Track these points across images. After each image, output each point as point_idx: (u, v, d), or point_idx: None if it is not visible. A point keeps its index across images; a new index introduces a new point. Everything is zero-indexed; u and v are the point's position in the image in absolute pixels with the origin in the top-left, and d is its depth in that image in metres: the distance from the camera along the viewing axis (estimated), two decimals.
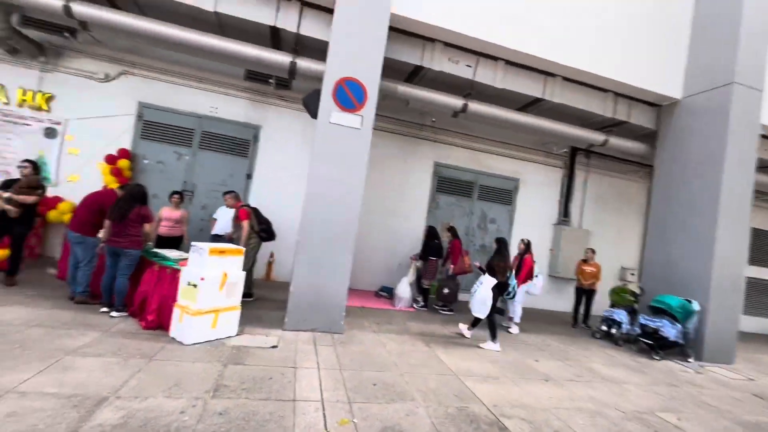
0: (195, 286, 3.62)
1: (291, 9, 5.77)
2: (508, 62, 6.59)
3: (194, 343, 3.57)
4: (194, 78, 6.94)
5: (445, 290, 6.99)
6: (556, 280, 8.75)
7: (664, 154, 7.10)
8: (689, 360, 5.80)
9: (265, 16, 5.69)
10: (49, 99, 6.43)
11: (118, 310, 4.06)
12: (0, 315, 3.59)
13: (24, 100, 6.32)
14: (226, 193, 6.03)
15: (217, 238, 5.70)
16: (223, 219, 5.88)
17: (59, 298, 4.30)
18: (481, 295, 5.00)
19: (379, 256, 7.75)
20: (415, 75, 6.83)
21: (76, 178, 6.45)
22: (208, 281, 3.64)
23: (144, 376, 2.82)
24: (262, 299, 5.58)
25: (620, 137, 7.66)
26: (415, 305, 6.68)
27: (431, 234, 6.92)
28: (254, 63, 6.03)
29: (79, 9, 5.28)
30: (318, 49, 5.78)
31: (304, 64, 5.96)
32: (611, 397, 3.84)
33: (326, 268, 4.56)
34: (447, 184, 8.31)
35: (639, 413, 3.54)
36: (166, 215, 5.60)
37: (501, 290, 5.14)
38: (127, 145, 6.65)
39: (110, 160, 6.39)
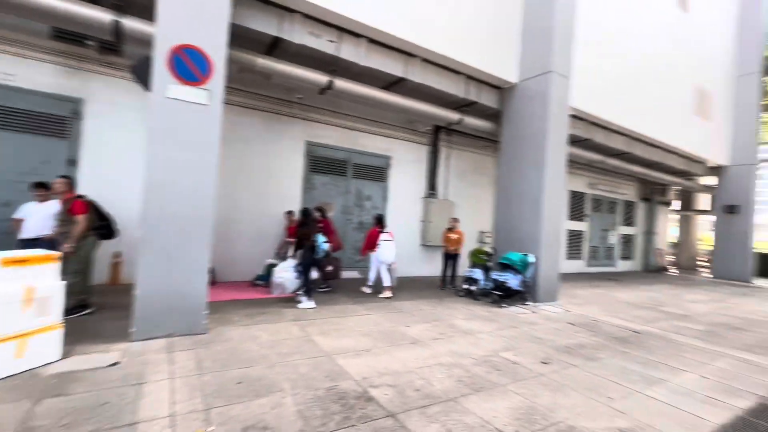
0: None
1: None
2: (372, 40, 6.64)
3: None
4: None
5: (329, 268, 7.01)
6: (428, 249, 9.57)
7: (506, 132, 8.22)
8: (527, 303, 7.03)
9: None
10: None
11: None
12: None
13: None
14: (38, 184, 4.82)
15: (30, 244, 4.52)
16: (35, 218, 4.70)
17: None
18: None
19: (251, 243, 7.29)
20: (276, 47, 6.37)
21: None
22: (3, 299, 2.84)
23: None
24: (106, 308, 4.70)
25: (473, 116, 8.57)
26: (296, 290, 6.52)
27: (306, 216, 6.74)
28: (63, 19, 4.77)
29: None
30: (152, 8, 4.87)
31: (134, 25, 4.96)
32: (467, 348, 4.38)
33: (180, 264, 4.03)
34: (320, 163, 8.17)
35: (486, 357, 4.13)
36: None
37: (312, 252, 5.91)
38: None
39: None
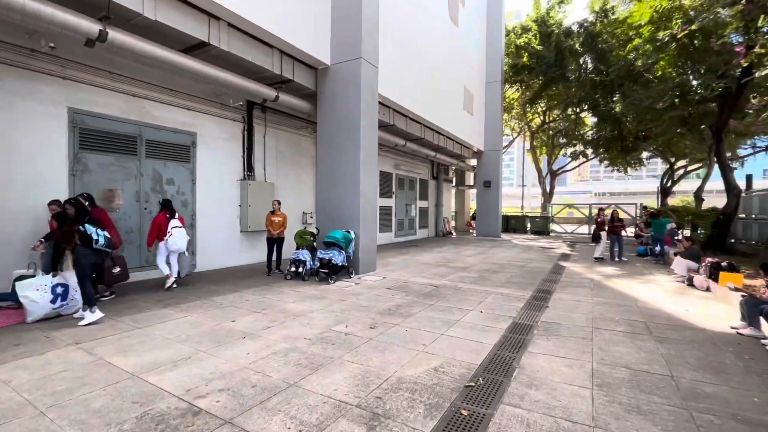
0: None
1: None
2: None
3: None
4: None
5: (116, 270, 5.65)
6: (249, 235, 8.95)
7: (322, 113, 8.35)
8: (351, 276, 7.54)
9: None
10: None
11: None
12: None
13: None
14: None
15: None
16: None
17: None
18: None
19: None
20: None
21: None
22: None
23: None
24: None
25: (289, 95, 8.31)
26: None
27: (80, 209, 5.15)
28: None
29: None
30: None
31: None
32: (301, 330, 4.35)
33: None
34: (97, 138, 6.35)
35: (321, 334, 4.21)
36: None
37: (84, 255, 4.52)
38: None
39: None
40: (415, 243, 15.06)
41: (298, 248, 7.56)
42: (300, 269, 7.19)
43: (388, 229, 14.87)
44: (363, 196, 7.86)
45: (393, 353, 3.71)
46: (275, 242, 7.74)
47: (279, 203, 7.89)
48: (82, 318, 4.43)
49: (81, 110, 6.12)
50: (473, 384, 3.08)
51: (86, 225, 4.55)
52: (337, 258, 7.11)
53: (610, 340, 4.15)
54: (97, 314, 4.48)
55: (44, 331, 4.13)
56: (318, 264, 7.17)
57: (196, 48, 6.53)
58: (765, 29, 8.87)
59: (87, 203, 5.27)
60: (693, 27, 10.28)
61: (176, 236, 6.23)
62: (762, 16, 8.44)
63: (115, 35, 5.21)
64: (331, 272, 7.04)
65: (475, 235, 19.17)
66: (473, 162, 20.30)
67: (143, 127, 6.94)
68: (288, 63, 7.80)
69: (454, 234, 20.03)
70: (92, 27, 4.97)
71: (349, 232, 7.54)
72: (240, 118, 8.74)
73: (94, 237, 4.53)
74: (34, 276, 4.84)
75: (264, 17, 6.55)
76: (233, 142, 8.63)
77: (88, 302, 4.48)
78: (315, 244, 7.68)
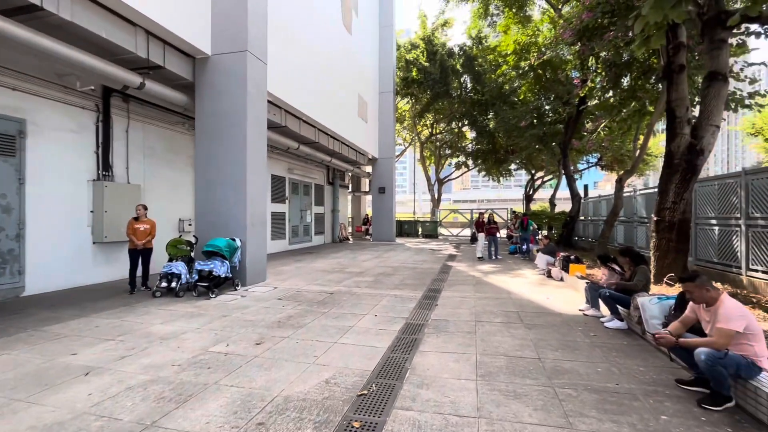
0: None
1: None
2: None
3: None
4: None
5: None
6: (104, 247, 7.44)
7: (202, 108, 7.45)
8: (237, 288, 6.83)
9: None
10: None
11: None
12: None
13: None
14: None
15: None
16: None
17: None
18: None
19: None
20: None
21: None
22: None
23: None
24: None
25: (159, 83, 7.21)
26: None
27: None
28: None
29: None
30: None
31: None
32: (169, 356, 3.67)
33: None
34: None
35: (194, 358, 3.61)
36: None
37: None
38: None
39: None
40: (311, 250, 14.61)
41: (171, 260, 6.54)
42: (173, 284, 6.20)
43: (282, 237, 14.12)
44: (250, 199, 7.22)
45: (280, 370, 3.36)
46: (140, 254, 6.56)
47: (145, 208, 6.72)
48: None
49: None
50: (366, 392, 2.94)
51: None
52: (220, 269, 6.35)
53: (490, 331, 4.50)
54: None
55: None
56: (196, 277, 6.29)
57: (22, 11, 5.15)
58: (593, 68, 11.05)
59: None
60: (545, 58, 12.23)
61: None
62: (591, 57, 10.48)
63: None
64: (212, 285, 6.24)
65: (371, 240, 19.54)
66: (368, 168, 20.76)
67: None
68: (157, 47, 6.75)
69: (351, 240, 20.12)
70: None
71: (234, 239, 6.83)
72: (92, 106, 7.23)
73: None
74: None
75: None
76: (83, 134, 7.09)
77: None
78: (193, 254, 6.75)
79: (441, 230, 23.30)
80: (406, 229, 22.45)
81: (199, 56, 7.40)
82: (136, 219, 6.58)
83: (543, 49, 12.93)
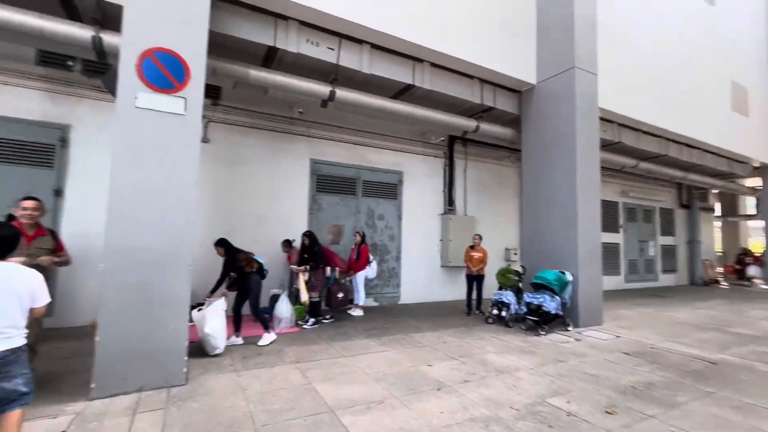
0: None
1: None
2: (375, 46, 6.15)
3: None
4: None
5: (339, 295, 6.47)
6: (449, 270, 8.72)
7: (527, 138, 7.47)
8: (569, 329, 6.05)
9: None
10: None
11: None
12: None
13: None
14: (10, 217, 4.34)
15: None
16: None
17: None
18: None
19: None
20: (272, 59, 5.93)
21: None
22: None
23: None
24: (83, 354, 4.06)
25: (490, 123, 7.88)
26: (304, 324, 5.80)
27: (314, 240, 6.10)
28: (39, 38, 4.43)
29: None
30: None
31: (114, 40, 4.57)
32: (505, 393, 3.51)
33: (153, 302, 3.39)
34: (327, 182, 7.58)
35: (531, 405, 3.25)
36: None
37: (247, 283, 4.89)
38: None
39: None
40: (658, 292, 11.40)
41: (500, 288, 6.71)
42: (503, 313, 6.29)
43: (615, 272, 11.90)
44: (582, 228, 6.36)
45: None
46: (474, 279, 7.15)
47: (480, 238, 7.34)
48: (263, 339, 4.85)
49: (318, 160, 7.47)
50: None
51: (257, 257, 5.06)
52: (549, 304, 5.84)
53: None
54: (270, 337, 4.86)
55: (281, 345, 4.83)
56: (525, 309, 6.09)
57: (402, 92, 7.03)
58: None
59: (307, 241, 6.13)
60: None
61: (374, 266, 6.98)
62: None
63: (340, 93, 6.12)
64: (541, 321, 5.83)
65: (755, 284, 13.09)
66: (751, 182, 14.31)
67: (361, 170, 7.90)
68: (489, 91, 7.44)
69: (724, 283, 14.25)
70: (325, 90, 5.99)
71: (563, 273, 6.17)
72: (441, 153, 8.88)
73: (264, 269, 5.10)
74: (280, 294, 5.95)
75: (464, 49, 6.44)
76: (435, 178, 8.80)
77: (264, 326, 4.90)
78: (521, 284, 6.65)
79: None
80: None
81: (524, 89, 7.54)
82: (472, 247, 7.28)
83: None
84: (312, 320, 5.86)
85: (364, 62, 6.09)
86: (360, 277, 6.83)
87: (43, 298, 2.13)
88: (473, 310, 7.17)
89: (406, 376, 3.87)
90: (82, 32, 4.48)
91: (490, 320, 6.46)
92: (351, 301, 6.92)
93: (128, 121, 3.40)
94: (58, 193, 5.46)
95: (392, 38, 5.82)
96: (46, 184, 5.40)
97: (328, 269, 6.23)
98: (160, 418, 2.85)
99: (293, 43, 5.52)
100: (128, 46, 3.44)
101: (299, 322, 5.86)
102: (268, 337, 4.86)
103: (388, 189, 8.22)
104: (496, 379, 3.87)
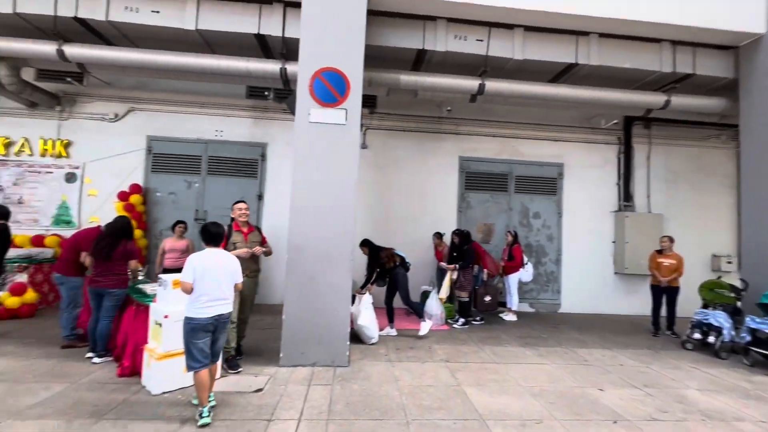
0: (160, 325, 3.15)
1: (274, 13, 5.36)
2: (528, 28, 5.61)
3: (163, 393, 3.07)
4: (197, 104, 6.82)
5: (487, 298, 6.21)
6: (625, 278, 7.28)
7: (750, 107, 5.55)
8: None
9: (247, 25, 5.34)
10: (67, 145, 6.63)
11: (100, 356, 3.73)
12: None
13: (45, 150, 6.56)
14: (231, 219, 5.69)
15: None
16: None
17: (54, 345, 4.09)
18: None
19: None
20: (420, 61, 6.08)
21: (96, 219, 6.48)
22: (174, 318, 3.14)
23: None
24: (272, 328, 5.02)
25: (685, 95, 6.20)
26: (454, 323, 5.78)
27: (465, 238, 5.99)
28: (246, 76, 5.70)
29: (72, 51, 5.29)
30: None
31: (295, 68, 5.45)
32: None
33: (322, 290, 3.90)
34: (477, 179, 7.33)
35: None
36: (170, 246, 5.33)
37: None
38: (139, 179, 6.64)
39: (122, 196, 6.38)
40: None
41: (705, 306, 5.20)
42: (710, 338, 4.85)
43: None
44: None
45: None
46: (664, 292, 5.74)
47: (671, 240, 5.86)
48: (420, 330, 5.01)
49: (467, 157, 7.31)
50: None
51: (398, 251, 5.27)
52: None
53: None
54: (429, 324, 5.05)
55: (430, 342, 4.90)
56: (748, 338, 4.55)
57: (561, 75, 6.22)
58: None
59: (458, 240, 6.02)
60: None
61: (529, 269, 6.42)
62: None
63: (490, 85, 5.81)
64: None
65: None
66: None
67: (513, 164, 7.36)
68: (685, 54, 5.85)
69: None
70: (473, 84, 5.79)
71: None
72: (614, 139, 7.48)
73: (407, 261, 5.29)
74: (431, 291, 6.06)
75: (648, 7, 5.23)
76: (606, 168, 7.47)
77: (419, 314, 5.16)
78: (740, 304, 5.00)
79: None
80: None
81: (744, 42, 5.63)
82: (660, 252, 5.87)
83: None
84: (462, 320, 5.76)
85: (516, 48, 5.62)
86: (513, 279, 6.35)
87: (240, 278, 2.93)
88: (663, 329, 5.78)
89: (569, 397, 3.37)
90: (273, 66, 5.53)
91: (689, 346, 5.07)
92: (502, 304, 6.52)
93: (303, 134, 4.01)
94: (260, 197, 6.89)
95: (551, 15, 5.17)
96: (251, 191, 6.90)
97: (476, 268, 6.03)
98: (327, 392, 3.24)
99: (441, 41, 5.52)
100: (303, 70, 4.05)
101: (449, 321, 5.85)
102: (425, 326, 5.02)
103: (546, 184, 7.40)
104: (704, 426, 2.98)
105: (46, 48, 5.26)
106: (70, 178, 6.63)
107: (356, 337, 4.61)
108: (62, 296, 4.04)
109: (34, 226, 6.46)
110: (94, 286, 3.80)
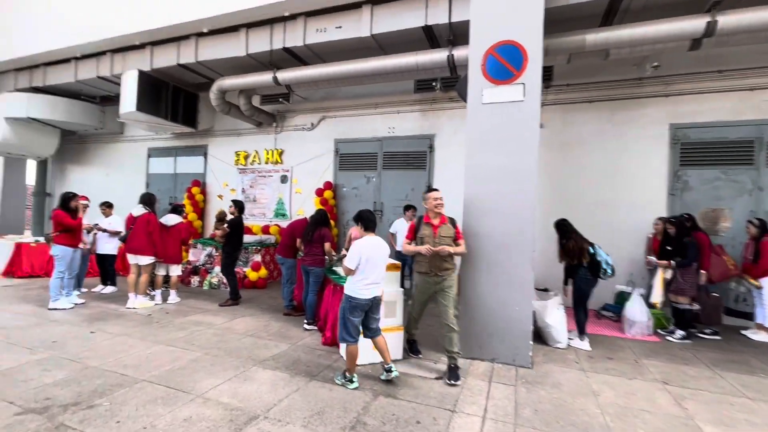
0: None
1: (440, 1, 5.31)
2: None
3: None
4: (372, 105, 7.45)
5: (694, 306, 4.78)
6: None
7: None
8: None
9: (415, 19, 5.46)
10: (281, 153, 8.30)
11: (309, 324, 4.49)
12: (233, 325, 4.56)
13: (267, 158, 8.39)
14: (408, 207, 6.05)
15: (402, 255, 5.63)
16: (404, 233, 5.82)
17: (279, 312, 5.17)
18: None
19: None
20: (613, 13, 4.99)
21: (302, 211, 7.89)
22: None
23: (297, 398, 2.81)
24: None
25: None
26: (668, 335, 4.62)
27: (683, 229, 4.69)
28: (414, 70, 5.86)
29: (282, 75, 6.53)
30: None
31: (462, 53, 5.30)
32: None
33: (501, 282, 3.65)
34: (697, 151, 5.62)
35: None
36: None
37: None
38: (330, 177, 7.76)
39: (319, 192, 7.57)
40: None
41: None
42: None
43: None
44: None
45: None
46: None
47: None
48: (579, 340, 4.20)
49: (682, 124, 5.67)
50: None
51: (598, 249, 4.13)
52: None
53: None
54: (586, 345, 4.14)
55: (635, 354, 4.02)
56: None
57: None
58: None
59: (689, 225, 4.76)
60: None
61: None
62: None
63: (725, 20, 4.29)
64: None
65: None
66: None
67: (763, 126, 5.31)
68: None
69: None
70: (697, 24, 4.38)
71: None
72: None
73: (603, 266, 4.09)
74: (630, 292, 4.98)
75: None
76: None
77: (580, 329, 4.21)
78: None
79: None
80: None
81: None
82: None
83: None
84: (681, 333, 4.52)
85: None
86: (765, 284, 4.61)
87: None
88: None
89: None
90: (440, 55, 5.51)
91: None
92: (746, 316, 4.82)
93: (476, 117, 3.82)
94: (429, 189, 7.04)
95: None
96: (421, 182, 7.12)
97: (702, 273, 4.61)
98: (511, 393, 3.00)
99: None
100: (474, 50, 3.84)
101: (659, 331, 4.69)
102: (578, 343, 4.17)
103: None
104: None
105: (265, 77, 6.64)
106: (284, 179, 8.29)
107: (538, 336, 4.18)
108: (283, 273, 5.06)
109: (263, 219, 8.38)
110: (303, 264, 4.62)
